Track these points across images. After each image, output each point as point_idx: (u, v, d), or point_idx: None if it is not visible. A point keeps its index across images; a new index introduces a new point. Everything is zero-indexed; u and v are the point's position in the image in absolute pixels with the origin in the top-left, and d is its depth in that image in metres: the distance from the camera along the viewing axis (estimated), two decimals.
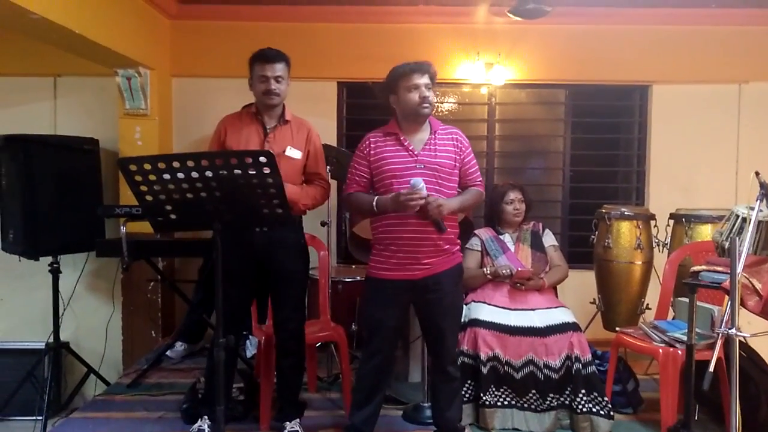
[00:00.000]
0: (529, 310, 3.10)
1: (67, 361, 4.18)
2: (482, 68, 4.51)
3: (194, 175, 2.07)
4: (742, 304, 2.36)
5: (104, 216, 3.89)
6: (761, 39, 4.54)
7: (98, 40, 3.50)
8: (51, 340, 3.79)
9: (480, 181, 2.69)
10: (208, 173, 2.08)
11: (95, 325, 4.40)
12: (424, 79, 2.50)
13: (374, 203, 2.51)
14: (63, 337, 3.90)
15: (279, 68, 2.74)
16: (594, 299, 3.98)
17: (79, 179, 3.96)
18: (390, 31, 4.56)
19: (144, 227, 3.42)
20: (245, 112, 2.87)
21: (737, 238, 2.17)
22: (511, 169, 4.93)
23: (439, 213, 2.41)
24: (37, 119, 4.50)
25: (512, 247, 3.35)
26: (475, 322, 3.02)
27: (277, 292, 2.87)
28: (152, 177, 2.08)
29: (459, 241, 2.68)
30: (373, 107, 4.66)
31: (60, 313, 3.82)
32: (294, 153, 2.79)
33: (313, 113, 4.10)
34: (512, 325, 3.01)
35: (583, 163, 4.84)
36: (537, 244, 3.38)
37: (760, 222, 2.46)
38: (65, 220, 3.77)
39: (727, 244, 2.56)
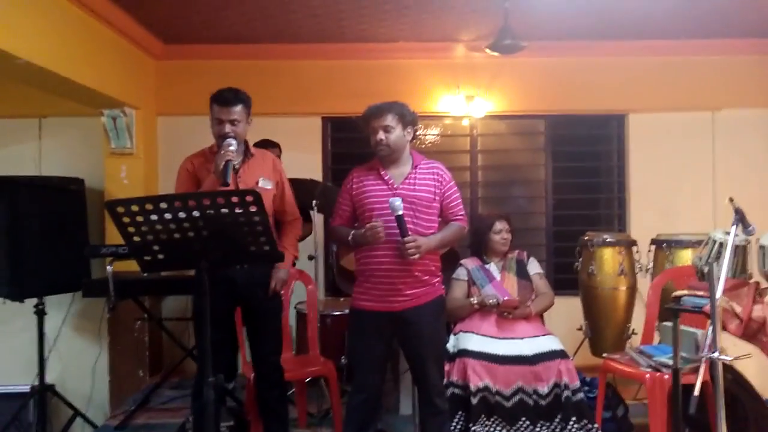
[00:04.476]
0: (517, 339, 3.13)
1: (52, 404, 4.08)
2: (463, 101, 4.61)
3: (181, 215, 2.10)
4: (724, 327, 2.40)
5: (90, 256, 3.87)
6: (732, 68, 4.69)
7: (84, 83, 3.54)
8: (36, 383, 3.73)
9: (462, 215, 2.72)
10: (195, 213, 2.10)
11: (81, 367, 4.35)
12: (380, 122, 2.57)
13: (350, 237, 2.61)
14: (49, 379, 3.83)
15: (235, 111, 2.70)
16: (581, 326, 4.01)
17: (65, 219, 3.94)
18: (372, 67, 4.66)
19: (130, 266, 3.40)
20: (208, 150, 2.85)
21: (714, 264, 2.22)
22: (495, 198, 4.99)
23: (417, 252, 2.45)
24: (22, 161, 4.50)
25: (498, 276, 3.38)
26: (464, 353, 3.03)
27: (258, 327, 2.88)
28: (140, 218, 2.09)
29: (440, 274, 2.71)
30: (359, 141, 4.71)
31: (45, 356, 3.76)
32: (266, 184, 2.81)
33: (298, 148, 4.18)
34: (501, 354, 3.03)
35: (565, 191, 4.92)
36: (522, 273, 3.42)
37: (736, 246, 2.52)
38: (51, 260, 3.74)
39: (706, 269, 2.62)
